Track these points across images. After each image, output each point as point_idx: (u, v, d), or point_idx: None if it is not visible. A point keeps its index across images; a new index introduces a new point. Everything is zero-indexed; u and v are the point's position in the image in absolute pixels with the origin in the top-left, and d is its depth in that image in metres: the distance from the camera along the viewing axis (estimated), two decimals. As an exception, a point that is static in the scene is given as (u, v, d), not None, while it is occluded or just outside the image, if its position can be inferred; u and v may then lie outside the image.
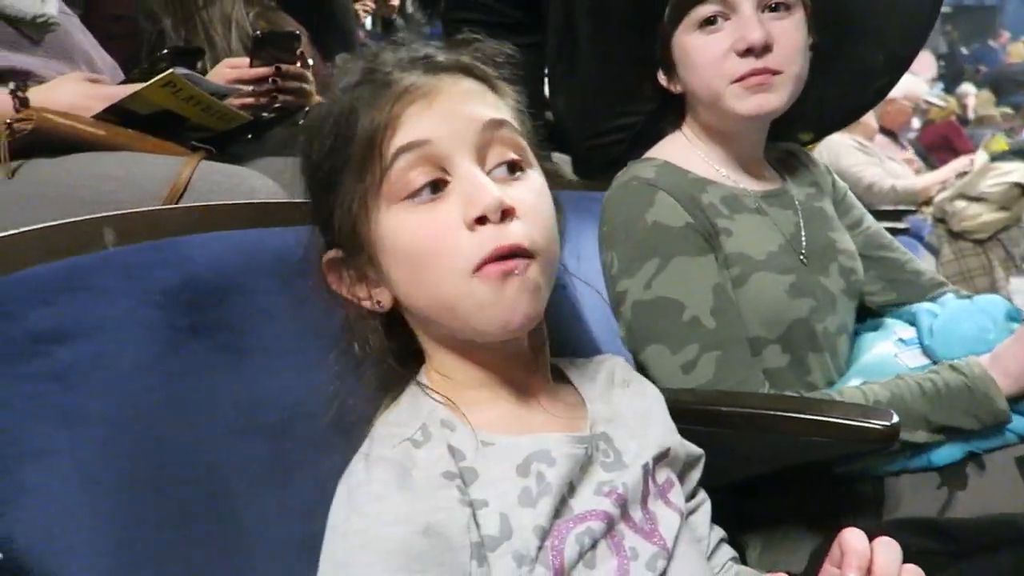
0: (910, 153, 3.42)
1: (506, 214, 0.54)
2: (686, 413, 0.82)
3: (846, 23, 1.02)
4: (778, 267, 0.93)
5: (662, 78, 1.00)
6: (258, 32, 1.34)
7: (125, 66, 1.32)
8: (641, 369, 0.93)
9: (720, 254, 0.92)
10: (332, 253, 0.61)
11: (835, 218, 1.05)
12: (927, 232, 2.55)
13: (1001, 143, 4.62)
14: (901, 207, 2.80)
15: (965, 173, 2.77)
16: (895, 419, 0.77)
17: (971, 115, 6.45)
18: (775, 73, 0.90)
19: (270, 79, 1.30)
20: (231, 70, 1.29)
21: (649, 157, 0.99)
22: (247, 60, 1.31)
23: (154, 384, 0.60)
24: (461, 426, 0.57)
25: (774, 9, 0.90)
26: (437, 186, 0.55)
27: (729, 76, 0.90)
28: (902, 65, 1.07)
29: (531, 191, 0.58)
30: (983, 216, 2.46)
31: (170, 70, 0.99)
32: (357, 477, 0.55)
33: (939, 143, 4.13)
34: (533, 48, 1.32)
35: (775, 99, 0.91)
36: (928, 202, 2.74)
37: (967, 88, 7.64)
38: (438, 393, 0.60)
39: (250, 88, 1.29)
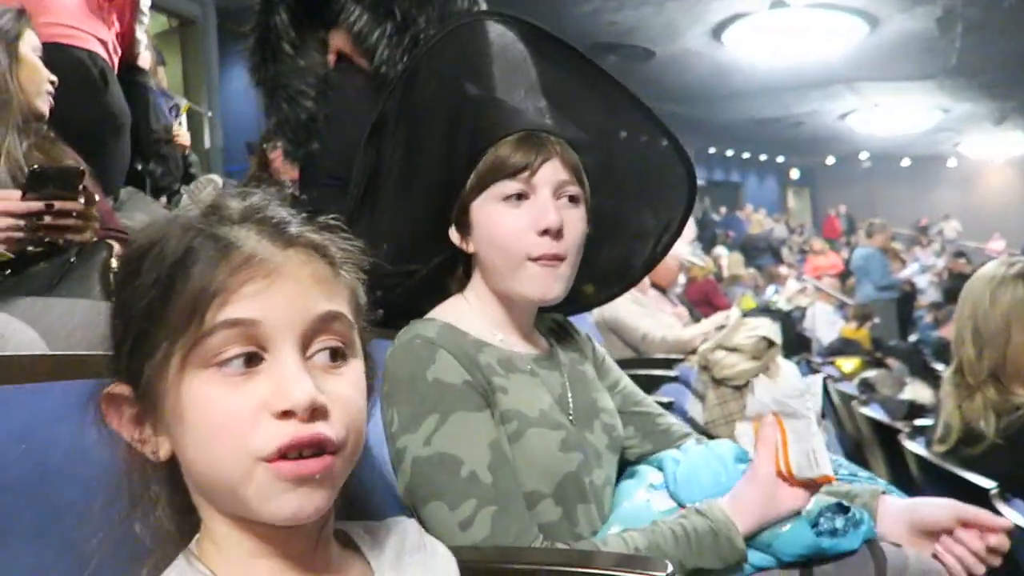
0: (679, 307, 3.80)
1: (316, 414, 0.53)
2: (471, 573, 0.82)
3: (624, 193, 1.14)
4: (550, 424, 0.98)
5: (455, 235, 1.05)
6: (35, 167, 1.24)
7: None
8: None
9: (497, 411, 0.96)
10: (117, 387, 0.55)
11: (596, 380, 1.15)
12: (693, 379, 2.81)
13: (750, 302, 5.30)
14: (671, 356, 3.07)
15: (723, 326, 3.11)
16: (669, 569, 0.81)
17: (725, 274, 7.37)
18: (562, 259, 0.99)
19: (44, 215, 1.20)
20: None
21: (431, 318, 1.03)
22: (16, 192, 1.20)
23: None
24: None
25: (563, 199, 1.01)
26: (251, 359, 0.53)
27: (527, 253, 0.98)
28: (675, 229, 1.18)
29: (348, 384, 0.56)
30: (739, 365, 2.76)
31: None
32: None
33: (700, 298, 4.65)
34: None
35: (558, 288, 1.01)
36: (694, 351, 3.04)
37: (720, 250, 8.79)
38: (206, 568, 0.54)
39: (17, 223, 1.18)
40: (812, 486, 0.93)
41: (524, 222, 0.98)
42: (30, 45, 1.46)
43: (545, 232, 0.98)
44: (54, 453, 0.62)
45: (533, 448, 0.96)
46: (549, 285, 1.00)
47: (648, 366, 2.83)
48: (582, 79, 1.08)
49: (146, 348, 0.53)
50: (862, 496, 1.03)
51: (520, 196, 0.99)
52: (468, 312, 1.05)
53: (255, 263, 0.53)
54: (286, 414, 0.52)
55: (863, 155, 16.50)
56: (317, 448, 0.53)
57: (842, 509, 0.95)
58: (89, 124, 1.59)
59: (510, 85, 1.04)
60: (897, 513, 1.01)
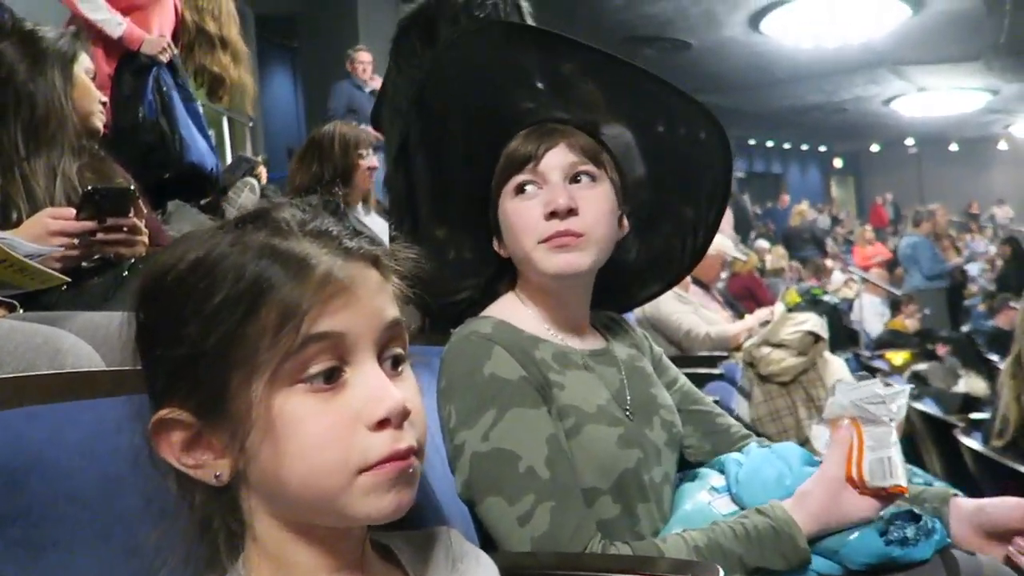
0: (725, 311, 3.74)
1: (404, 418, 0.55)
2: (526, 580, 0.81)
3: (664, 187, 1.12)
4: (607, 420, 0.98)
5: (496, 244, 1.07)
6: (88, 188, 1.27)
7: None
8: (479, 521, 0.94)
9: (553, 406, 0.97)
10: (166, 412, 0.54)
11: (654, 376, 1.13)
12: (739, 376, 2.77)
13: (794, 296, 5.21)
14: (715, 352, 3.04)
15: (768, 322, 3.07)
16: (721, 574, 0.80)
17: (767, 267, 7.26)
18: (578, 236, 0.99)
19: (97, 232, 1.24)
20: (53, 220, 1.21)
21: (485, 315, 1.04)
22: (70, 211, 1.24)
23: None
24: None
25: (578, 180, 1.01)
26: (332, 373, 0.54)
27: (537, 237, 0.99)
28: (712, 224, 1.17)
29: (413, 389, 0.58)
30: (785, 361, 2.71)
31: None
32: None
33: (743, 293, 4.59)
34: None
35: (579, 259, 0.99)
36: (738, 348, 3.00)
37: (762, 243, 8.65)
38: None
39: (73, 241, 1.22)
40: (884, 496, 0.90)
41: (537, 211, 0.99)
42: (83, 66, 1.50)
43: (552, 215, 0.98)
44: (117, 463, 0.64)
45: (591, 444, 0.96)
46: (566, 259, 0.99)
47: (692, 363, 2.79)
48: (605, 73, 1.06)
49: (221, 370, 0.53)
50: (932, 500, 1.00)
51: (529, 185, 1.00)
52: (520, 309, 1.06)
53: (334, 279, 0.54)
54: (381, 424, 0.54)
55: (909, 141, 16.06)
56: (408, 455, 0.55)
57: (914, 517, 0.92)
58: None
59: (518, 87, 1.04)
60: (966, 516, 0.98)
